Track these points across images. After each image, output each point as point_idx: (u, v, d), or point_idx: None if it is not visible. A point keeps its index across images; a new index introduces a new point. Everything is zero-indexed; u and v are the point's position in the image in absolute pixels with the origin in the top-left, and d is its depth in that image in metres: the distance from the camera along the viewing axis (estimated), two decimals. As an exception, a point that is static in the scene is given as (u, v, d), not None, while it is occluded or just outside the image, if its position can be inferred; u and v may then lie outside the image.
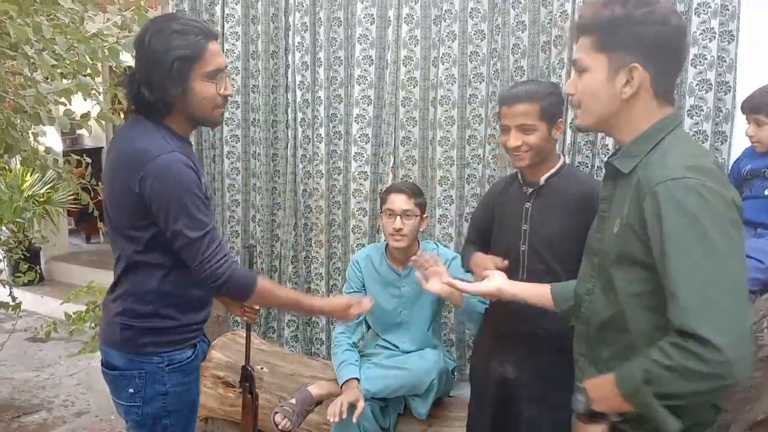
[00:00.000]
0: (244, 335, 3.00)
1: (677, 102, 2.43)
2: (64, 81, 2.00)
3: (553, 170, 1.89)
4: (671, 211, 1.09)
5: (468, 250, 2.07)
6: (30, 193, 4.79)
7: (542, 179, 1.88)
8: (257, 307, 1.97)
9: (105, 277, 1.74)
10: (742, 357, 1.02)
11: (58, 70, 1.86)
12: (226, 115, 3.19)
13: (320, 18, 2.95)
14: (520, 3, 2.58)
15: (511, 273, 1.87)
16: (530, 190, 1.90)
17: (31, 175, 4.85)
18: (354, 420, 2.20)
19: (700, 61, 2.34)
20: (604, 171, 1.35)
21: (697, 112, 2.37)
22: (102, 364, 1.70)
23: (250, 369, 2.04)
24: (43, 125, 1.99)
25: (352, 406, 2.20)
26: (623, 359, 1.20)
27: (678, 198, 1.09)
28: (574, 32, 1.32)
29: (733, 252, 1.08)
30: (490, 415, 1.98)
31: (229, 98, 1.67)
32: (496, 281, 1.65)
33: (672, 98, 1.25)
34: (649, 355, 1.09)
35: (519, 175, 1.96)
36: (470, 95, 2.75)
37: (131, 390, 1.64)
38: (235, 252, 3.35)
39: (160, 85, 1.52)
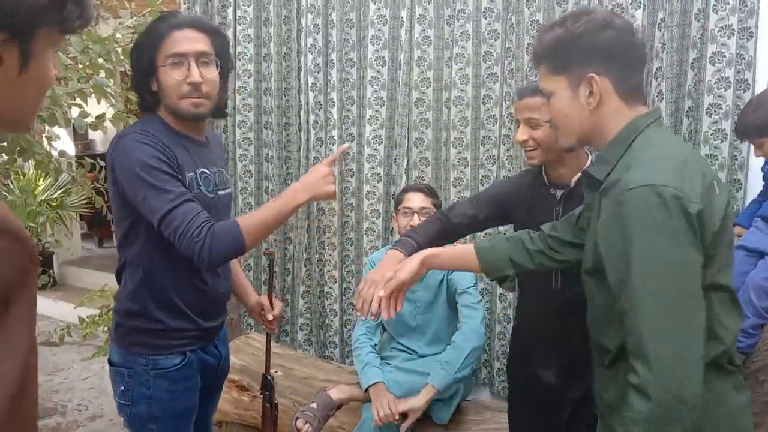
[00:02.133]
0: (258, 338, 3.01)
1: (695, 100, 2.40)
2: (79, 83, 2.00)
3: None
4: (634, 228, 1.08)
5: (425, 227, 1.87)
6: (43, 197, 4.82)
7: (572, 181, 1.77)
8: (269, 317, 1.91)
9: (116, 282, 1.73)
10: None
11: (77, 70, 1.85)
12: (238, 117, 3.19)
13: (332, 19, 2.94)
14: (535, 2, 2.55)
15: (545, 283, 1.81)
16: (560, 192, 1.79)
17: (44, 180, 4.88)
18: (402, 430, 2.19)
19: (718, 59, 2.31)
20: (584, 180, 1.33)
21: (716, 111, 2.34)
22: (107, 358, 1.70)
23: (270, 377, 2.01)
24: (60, 126, 1.99)
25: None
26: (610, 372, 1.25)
27: (640, 212, 1.08)
28: (533, 64, 1.34)
29: (682, 276, 1.08)
30: (540, 423, 1.91)
31: (202, 87, 1.56)
32: (410, 263, 1.52)
33: (642, 96, 1.25)
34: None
35: (544, 175, 1.83)
36: (484, 95, 2.73)
37: (122, 387, 1.63)
38: (248, 255, 3.34)
39: (139, 80, 1.58)
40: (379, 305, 1.49)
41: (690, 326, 1.06)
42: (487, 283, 2.79)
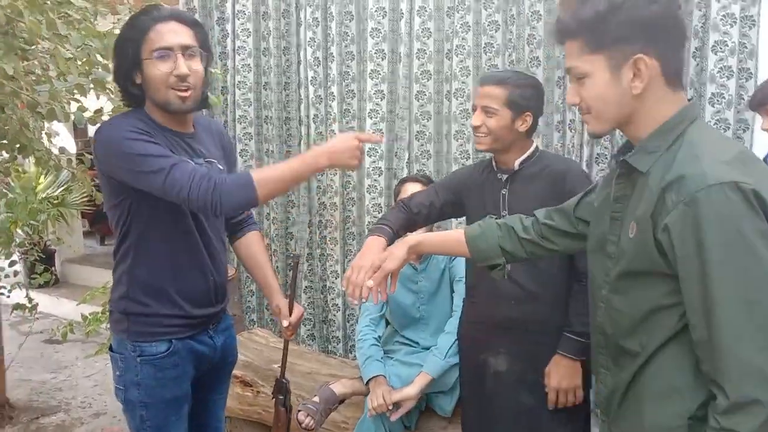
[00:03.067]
0: (261, 334, 3.01)
1: (698, 90, 2.39)
2: (78, 78, 1.99)
3: (525, 155, 1.86)
4: (715, 233, 0.96)
5: (397, 215, 1.89)
6: (44, 195, 4.81)
7: (516, 164, 1.85)
8: (285, 323, 1.85)
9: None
10: None
11: (75, 66, 1.84)
12: (238, 112, 3.18)
13: (332, 12, 2.92)
14: (535, -8, 2.54)
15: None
16: (505, 176, 1.87)
17: (45, 177, 4.88)
18: (393, 418, 2.18)
19: (721, 48, 2.29)
20: (618, 169, 1.22)
21: (718, 100, 2.32)
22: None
23: (285, 382, 1.99)
24: (59, 121, 1.98)
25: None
26: (650, 380, 1.13)
27: (723, 213, 0.96)
28: (555, 38, 1.18)
29: None
30: (488, 409, 1.95)
31: (189, 79, 1.54)
32: (397, 251, 1.48)
33: (683, 80, 1.11)
34: None
35: (493, 162, 1.92)
36: (485, 87, 2.71)
37: (117, 373, 1.65)
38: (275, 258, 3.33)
39: (123, 69, 1.55)
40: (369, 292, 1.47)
41: None
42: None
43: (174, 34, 1.53)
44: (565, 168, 1.85)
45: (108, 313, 1.68)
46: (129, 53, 1.52)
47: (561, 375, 1.80)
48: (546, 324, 1.83)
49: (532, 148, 1.88)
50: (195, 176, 1.44)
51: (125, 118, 1.56)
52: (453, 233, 1.57)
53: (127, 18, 2.35)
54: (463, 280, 2.26)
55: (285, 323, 1.84)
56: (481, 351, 1.95)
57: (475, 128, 1.81)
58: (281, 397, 1.98)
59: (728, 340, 0.96)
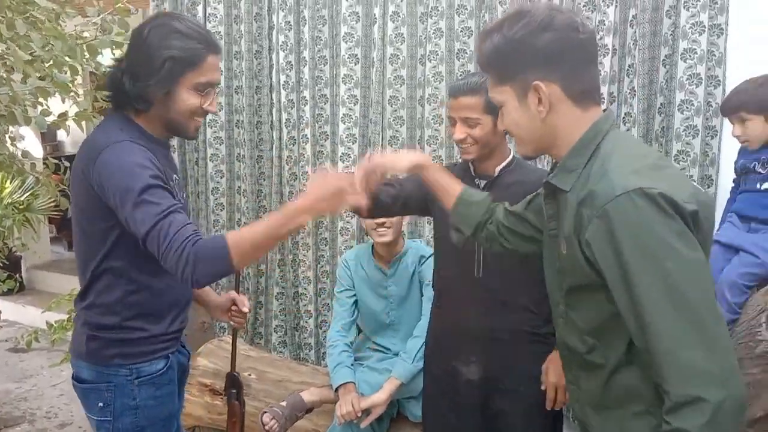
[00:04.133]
0: (230, 342, 2.96)
1: (667, 97, 2.41)
2: (40, 81, 1.94)
3: (505, 162, 1.86)
4: (630, 241, 0.99)
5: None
6: (9, 200, 4.70)
7: (496, 170, 1.85)
8: (245, 310, 1.84)
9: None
10: (733, 392, 0.96)
11: (34, 68, 1.79)
12: (209, 117, 3.13)
13: (304, 16, 2.90)
14: (507, -1, 2.55)
15: (466, 267, 1.84)
16: (483, 182, 1.86)
17: (10, 182, 4.76)
18: (362, 425, 2.15)
19: (690, 55, 2.32)
20: (544, 190, 1.26)
21: (687, 107, 2.35)
22: (72, 377, 1.61)
23: (236, 375, 1.98)
24: (19, 125, 1.92)
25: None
26: (614, 392, 1.14)
27: (633, 221, 0.98)
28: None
29: (701, 277, 0.99)
30: (457, 417, 1.92)
31: (207, 114, 1.56)
32: (410, 155, 1.55)
33: (596, 96, 1.16)
34: None
35: (471, 167, 1.89)
36: (458, 93, 2.71)
37: (101, 404, 1.55)
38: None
39: (143, 77, 1.45)
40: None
41: (723, 329, 0.98)
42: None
43: (217, 71, 1.52)
44: (541, 176, 1.84)
45: (83, 341, 1.56)
46: (166, 69, 1.44)
47: (559, 371, 1.78)
48: (517, 333, 1.82)
49: (510, 156, 1.88)
50: (176, 239, 1.35)
51: (125, 134, 1.46)
52: (452, 187, 1.55)
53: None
54: (431, 284, 2.25)
55: (246, 309, 1.82)
56: (451, 359, 1.93)
57: (461, 141, 1.79)
58: (233, 390, 1.96)
59: (663, 343, 0.98)
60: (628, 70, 2.41)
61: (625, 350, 1.10)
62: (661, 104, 2.44)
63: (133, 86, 1.47)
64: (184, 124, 1.53)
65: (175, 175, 1.61)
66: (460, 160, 1.96)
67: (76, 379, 1.59)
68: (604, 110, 1.18)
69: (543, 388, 1.80)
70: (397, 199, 1.90)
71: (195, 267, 1.34)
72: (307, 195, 1.41)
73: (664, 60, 2.41)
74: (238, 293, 1.90)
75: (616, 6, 2.36)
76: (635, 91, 2.41)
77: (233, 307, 1.88)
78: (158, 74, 1.44)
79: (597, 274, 1.06)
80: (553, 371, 1.78)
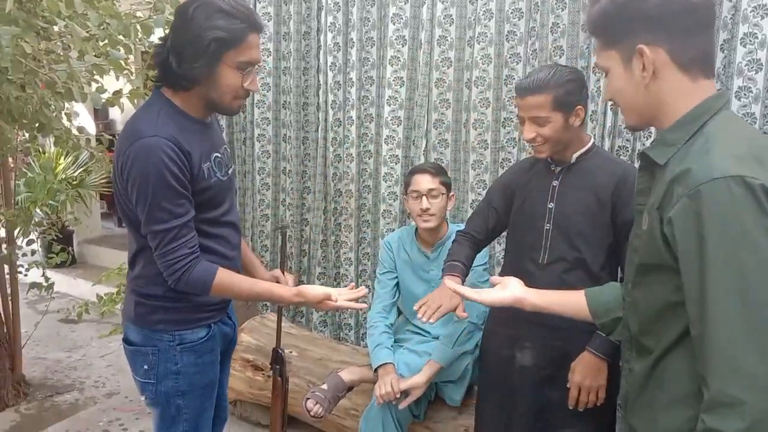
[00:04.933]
0: (274, 319, 3.01)
1: (724, 83, 2.33)
2: (96, 59, 1.99)
3: (583, 149, 1.85)
4: (716, 228, 0.94)
5: (460, 249, 2.01)
6: (64, 175, 4.86)
7: (574, 157, 1.83)
8: None
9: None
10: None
11: (90, 46, 1.84)
12: (257, 97, 3.17)
13: (353, -2, 2.89)
14: (560, -20, 2.49)
15: (533, 254, 1.85)
16: (559, 168, 1.85)
17: (64, 158, 4.92)
18: (401, 406, 2.17)
19: (750, 40, 2.23)
20: (640, 161, 1.21)
21: (745, 94, 2.26)
22: (123, 339, 1.69)
23: (280, 351, 2.02)
24: (76, 101, 1.98)
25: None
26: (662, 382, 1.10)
27: (726, 208, 0.94)
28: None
29: None
30: (509, 403, 1.94)
31: (250, 94, 1.60)
32: (513, 289, 1.45)
33: (710, 69, 1.10)
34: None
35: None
36: (506, 76, 2.67)
37: (146, 366, 1.63)
38: (265, 236, 3.34)
39: (190, 58, 1.47)
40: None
41: None
42: (490, 265, 2.72)
43: (258, 49, 1.55)
44: (624, 168, 1.82)
45: (132, 306, 1.65)
46: (210, 48, 1.47)
47: (585, 372, 1.76)
48: (576, 322, 1.79)
49: (590, 143, 1.86)
50: (175, 250, 1.52)
51: (162, 122, 1.50)
52: (569, 294, 1.47)
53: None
54: (475, 269, 2.24)
55: None
56: (508, 345, 1.94)
57: (530, 140, 1.78)
58: (277, 366, 2.00)
59: (720, 338, 0.94)
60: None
61: (676, 339, 1.07)
62: (721, 88, 2.35)
63: (179, 67, 1.49)
64: (226, 103, 1.57)
65: (216, 153, 1.63)
66: (510, 147, 1.97)
67: (126, 340, 1.68)
68: (719, 89, 1.11)
69: (568, 386, 1.79)
70: (491, 226, 2.06)
71: (179, 281, 1.53)
72: (303, 293, 1.68)
73: (722, 45, 2.32)
74: (283, 272, 1.93)
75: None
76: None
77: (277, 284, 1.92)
78: (203, 54, 1.47)
79: (670, 254, 1.02)
80: (579, 371, 1.77)
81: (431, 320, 1.76)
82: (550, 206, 1.84)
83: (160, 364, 1.62)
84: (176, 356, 1.62)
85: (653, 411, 1.13)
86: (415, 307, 1.81)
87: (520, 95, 1.77)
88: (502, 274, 2.01)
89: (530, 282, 1.57)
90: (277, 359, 2.02)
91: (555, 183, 1.85)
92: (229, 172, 1.69)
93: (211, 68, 1.49)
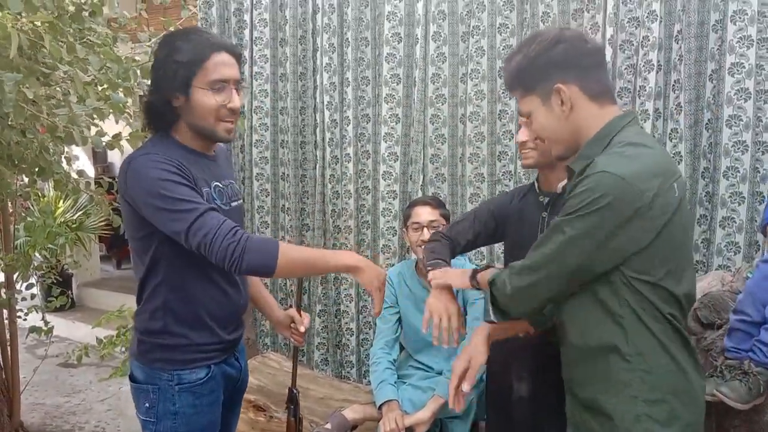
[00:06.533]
0: (275, 358, 2.99)
1: (714, 112, 2.37)
2: (97, 102, 2.02)
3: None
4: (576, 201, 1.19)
5: (443, 250, 1.93)
6: (63, 219, 4.87)
7: (559, 186, 1.82)
8: (302, 329, 1.89)
9: (135, 303, 1.73)
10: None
11: (91, 90, 1.87)
12: (255, 137, 3.21)
13: (348, 38, 2.96)
14: (549, 17, 2.55)
15: None
16: (546, 199, 1.86)
17: (63, 202, 4.94)
18: None
19: (737, 70, 2.28)
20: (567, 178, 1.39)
21: (736, 122, 2.30)
22: (129, 376, 1.68)
23: (295, 391, 1.99)
24: (76, 145, 2.00)
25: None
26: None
27: (585, 193, 1.17)
28: (510, 92, 1.46)
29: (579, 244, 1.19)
30: None
31: (238, 112, 1.59)
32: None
33: (611, 96, 1.32)
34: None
35: (536, 185, 1.93)
36: (500, 111, 2.72)
37: (147, 404, 1.61)
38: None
39: (165, 90, 1.52)
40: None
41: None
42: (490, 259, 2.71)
43: (228, 66, 1.55)
44: None
45: (135, 343, 1.65)
46: (178, 75, 1.50)
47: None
48: None
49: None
50: (223, 225, 1.45)
51: (155, 147, 1.55)
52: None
53: (148, 43, 2.41)
54: (478, 302, 2.24)
55: (302, 329, 1.88)
56: (506, 375, 1.93)
57: (522, 143, 1.81)
58: (291, 406, 1.97)
59: None
60: (674, 85, 2.38)
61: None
62: (708, 120, 2.40)
63: (159, 100, 1.54)
64: (210, 126, 1.56)
65: (216, 183, 1.64)
66: (507, 181, 1.98)
67: (130, 377, 1.67)
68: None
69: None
70: (473, 237, 2.00)
71: (243, 255, 1.43)
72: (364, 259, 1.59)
73: (711, 75, 2.38)
74: (299, 311, 1.92)
75: (660, 22, 2.34)
76: (681, 106, 2.37)
77: (292, 325, 1.91)
78: (176, 85, 1.51)
79: None
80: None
81: (454, 344, 1.67)
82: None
83: (160, 403, 1.60)
84: (174, 396, 1.60)
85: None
86: (425, 329, 1.70)
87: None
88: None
89: None
90: (292, 399, 1.99)
91: (544, 214, 1.86)
92: (232, 203, 1.70)
93: (185, 95, 1.52)
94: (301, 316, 1.91)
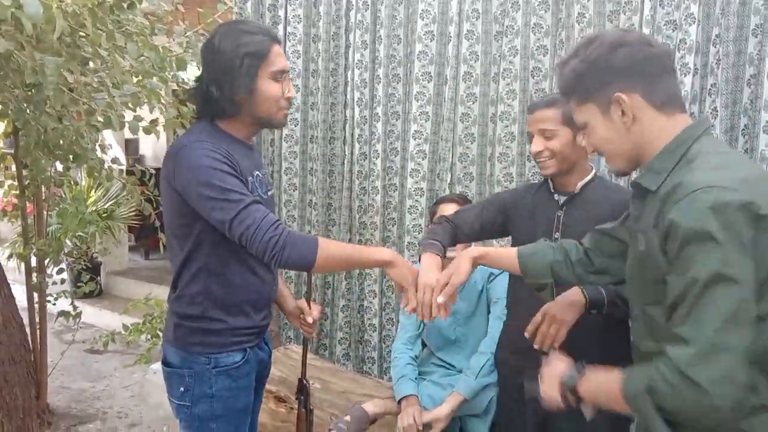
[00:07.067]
0: (297, 350, 3.01)
1: (752, 117, 2.33)
2: (134, 88, 2.06)
3: (587, 178, 1.85)
4: (688, 228, 1.02)
5: (444, 234, 1.89)
6: (94, 207, 4.96)
7: (578, 186, 1.83)
8: (309, 320, 1.92)
9: (162, 293, 1.77)
10: (729, 403, 0.99)
11: (131, 77, 1.91)
12: (285, 131, 3.23)
13: (380, 35, 2.96)
14: (585, 17, 2.53)
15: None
16: (563, 198, 1.84)
17: (96, 191, 5.04)
18: None
19: (777, 75, 2.24)
20: (633, 191, 1.30)
21: None
22: (161, 361, 1.71)
23: (305, 382, 2.01)
24: (114, 129, 2.05)
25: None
26: None
27: (695, 216, 1.02)
28: (565, 100, 1.35)
29: (743, 280, 1.00)
30: None
31: (291, 101, 1.68)
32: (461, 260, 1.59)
33: (680, 104, 1.22)
34: (658, 365, 1.05)
35: (549, 182, 1.90)
36: (531, 111, 2.69)
37: (182, 388, 1.64)
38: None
39: (229, 83, 1.56)
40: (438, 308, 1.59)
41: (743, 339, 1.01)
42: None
43: (284, 58, 1.64)
44: (627, 197, 1.81)
45: (171, 328, 1.68)
46: (244, 67, 1.55)
47: (559, 301, 1.74)
48: (585, 350, 1.77)
49: (592, 173, 1.87)
50: (266, 218, 1.49)
51: (203, 134, 1.58)
52: (509, 250, 1.62)
53: (183, 36, 2.45)
54: (500, 301, 2.23)
55: (310, 320, 1.90)
56: (519, 375, 1.91)
57: (537, 154, 1.80)
58: (302, 397, 1.99)
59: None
60: (710, 89, 2.34)
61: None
62: (745, 125, 2.35)
63: (222, 94, 1.57)
64: (273, 114, 1.63)
65: (257, 172, 1.69)
66: (536, 181, 1.97)
67: (164, 362, 1.69)
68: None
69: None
70: (478, 226, 1.96)
71: (284, 249, 1.47)
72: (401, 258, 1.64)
73: (749, 80, 2.34)
74: (308, 302, 1.94)
75: (698, 25, 2.30)
76: (717, 111, 2.33)
77: (301, 315, 1.93)
78: (240, 75, 1.55)
79: (668, 263, 1.09)
80: (555, 300, 1.71)
81: (432, 319, 1.64)
82: (555, 236, 1.84)
83: (196, 387, 1.63)
84: (211, 379, 1.63)
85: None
86: (405, 308, 1.70)
87: (530, 111, 1.82)
88: (510, 302, 2.03)
89: (536, 308, 1.68)
90: (302, 390, 2.01)
91: (559, 213, 1.84)
92: (269, 193, 1.75)
93: (251, 85, 1.57)
94: (310, 307, 1.92)
